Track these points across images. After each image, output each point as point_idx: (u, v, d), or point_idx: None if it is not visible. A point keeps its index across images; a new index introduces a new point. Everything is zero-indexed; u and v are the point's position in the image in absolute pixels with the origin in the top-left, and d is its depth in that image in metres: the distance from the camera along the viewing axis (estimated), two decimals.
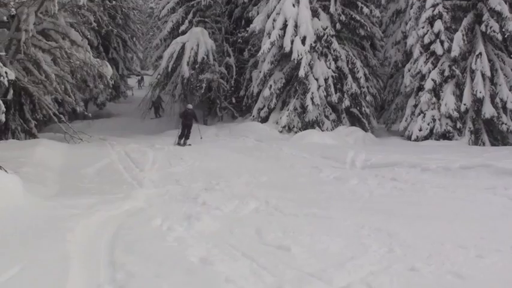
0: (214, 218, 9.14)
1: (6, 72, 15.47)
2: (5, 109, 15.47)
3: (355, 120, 27.33)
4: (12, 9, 15.85)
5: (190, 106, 23.55)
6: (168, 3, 35.50)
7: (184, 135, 22.36)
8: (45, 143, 18.59)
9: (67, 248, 6.79)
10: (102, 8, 30.01)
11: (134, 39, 49.29)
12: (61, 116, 23.18)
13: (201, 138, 22.82)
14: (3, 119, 15.76)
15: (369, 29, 27.73)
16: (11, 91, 20.32)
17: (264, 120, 26.80)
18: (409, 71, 25.62)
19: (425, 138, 23.48)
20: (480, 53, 22.71)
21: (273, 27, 25.67)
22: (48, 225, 7.83)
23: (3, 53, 17.05)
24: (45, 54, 21.74)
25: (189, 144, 21.96)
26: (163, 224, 8.61)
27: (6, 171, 10.57)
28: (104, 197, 10.89)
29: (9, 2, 14.62)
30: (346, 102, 26.52)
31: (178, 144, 22.04)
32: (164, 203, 10.75)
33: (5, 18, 18.61)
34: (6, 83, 15.74)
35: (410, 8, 27.00)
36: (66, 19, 22.16)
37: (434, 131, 23.39)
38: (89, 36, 26.36)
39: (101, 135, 25.28)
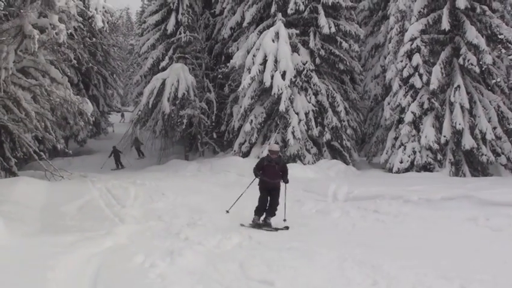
0: (197, 254, 9.10)
1: None
2: None
3: (336, 154, 27.40)
4: None
5: (276, 147, 13.53)
6: (148, 39, 35.69)
7: (266, 207, 12.90)
8: (26, 180, 18.42)
9: (48, 287, 6.72)
10: (82, 45, 30.08)
11: (114, 75, 49.46)
12: (41, 153, 23.07)
13: (285, 220, 12.62)
14: None
15: (348, 63, 27.96)
16: None
17: (246, 154, 26.80)
18: (388, 104, 25.81)
19: (407, 170, 23.54)
20: (458, 86, 22.90)
21: (253, 62, 25.81)
22: (29, 264, 7.76)
23: None
24: (25, 92, 21.66)
25: (275, 229, 12.22)
26: (145, 260, 8.55)
27: None
28: (86, 234, 10.78)
29: None
30: (327, 136, 26.59)
31: (257, 224, 12.58)
32: (146, 239, 10.66)
33: None
34: None
35: (389, 43, 27.33)
36: (46, 57, 22.13)
37: (415, 163, 23.46)
38: (69, 74, 26.39)
39: (81, 172, 25.17)
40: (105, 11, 23.26)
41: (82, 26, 24.07)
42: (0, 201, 13.56)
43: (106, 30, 34.38)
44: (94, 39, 35.62)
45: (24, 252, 8.73)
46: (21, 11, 18.33)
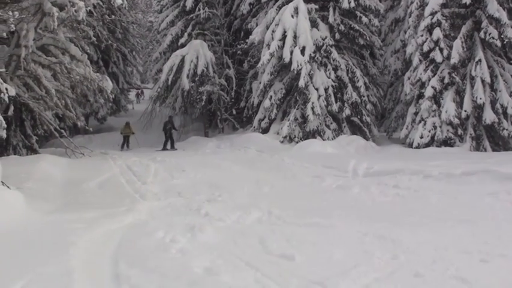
0: (217, 229, 9.12)
1: (6, 89, 15.50)
2: (6, 125, 15.47)
3: (356, 129, 27.32)
4: (12, 26, 15.89)
5: None
6: (167, 16, 35.66)
7: None
8: (47, 158, 18.53)
9: (71, 262, 6.78)
10: (102, 22, 30.11)
11: (134, 53, 49.43)
12: (62, 131, 23.18)
13: None
14: (5, 135, 15.76)
15: (368, 38, 27.78)
16: (12, 107, 20.33)
17: (265, 131, 26.80)
18: (408, 79, 25.62)
19: (427, 145, 23.39)
20: (480, 60, 22.69)
21: (272, 38, 25.73)
22: (52, 240, 7.82)
23: (3, 70, 17.08)
24: (45, 69, 21.76)
25: None
26: (166, 236, 8.58)
27: (8, 187, 10.59)
28: (107, 210, 10.85)
29: (8, 18, 14.66)
30: (347, 111, 26.50)
31: None
32: (167, 215, 10.70)
33: (4, 34, 18.55)
34: (6, 99, 15.76)
35: (409, 17, 27.03)
36: (66, 34, 22.19)
37: (435, 138, 23.32)
38: (88, 51, 26.39)
39: (102, 150, 25.27)
40: None
41: (101, 3, 24.10)
42: (22, 178, 13.65)
43: (125, 7, 34.41)
44: (113, 16, 35.53)
45: (46, 228, 8.80)
46: None
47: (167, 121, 29.25)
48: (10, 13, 15.06)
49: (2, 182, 10.32)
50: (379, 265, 7.03)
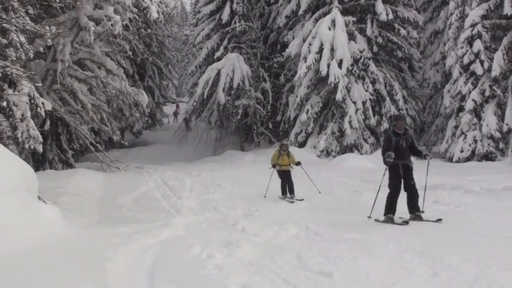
0: (254, 245, 9.04)
1: (43, 103, 15.65)
2: (42, 140, 15.60)
3: None
4: (49, 40, 16.00)
5: None
6: (203, 30, 35.81)
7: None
8: (83, 172, 18.70)
9: (107, 278, 6.73)
10: (138, 36, 30.31)
11: (169, 66, 49.76)
12: (98, 145, 23.39)
13: None
14: (41, 150, 15.88)
15: (406, 50, 27.54)
16: (48, 122, 20.51)
17: (302, 144, 26.72)
18: (448, 91, 25.36)
19: (467, 159, 23.11)
20: None
21: (309, 51, 25.64)
22: (89, 255, 7.80)
23: (40, 84, 17.22)
24: (81, 84, 21.98)
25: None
26: (202, 251, 8.52)
27: (45, 201, 10.60)
28: (143, 225, 10.86)
29: (45, 33, 14.74)
30: (385, 125, 26.28)
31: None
32: (203, 230, 10.66)
33: (41, 49, 18.81)
34: (43, 113, 15.91)
35: (449, 29, 26.75)
36: (102, 48, 22.40)
37: (476, 152, 23.02)
38: (124, 65, 26.64)
39: (137, 164, 25.41)
40: (160, 2, 23.45)
41: (137, 17, 24.27)
42: (58, 193, 13.75)
43: (161, 21, 34.68)
44: (149, 30, 35.90)
45: (83, 243, 8.82)
46: (77, 3, 18.55)
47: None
48: (47, 28, 15.15)
49: (38, 196, 10.32)
50: (419, 283, 6.86)
